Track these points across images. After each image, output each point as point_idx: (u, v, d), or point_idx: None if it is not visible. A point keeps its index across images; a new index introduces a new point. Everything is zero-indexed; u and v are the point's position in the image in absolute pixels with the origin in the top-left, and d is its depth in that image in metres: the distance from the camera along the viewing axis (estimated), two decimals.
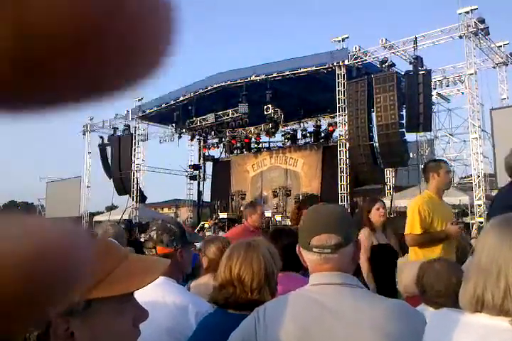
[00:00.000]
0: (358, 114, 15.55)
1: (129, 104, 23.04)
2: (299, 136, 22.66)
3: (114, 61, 0.18)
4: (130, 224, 15.65)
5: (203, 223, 21.38)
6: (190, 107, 19.69)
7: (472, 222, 13.44)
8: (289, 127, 22.95)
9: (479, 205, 13.13)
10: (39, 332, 0.68)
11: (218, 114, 19.41)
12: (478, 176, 13.37)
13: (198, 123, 20.22)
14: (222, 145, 24.38)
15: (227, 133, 22.26)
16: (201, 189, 25.60)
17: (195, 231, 15.71)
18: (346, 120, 16.03)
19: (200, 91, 19.50)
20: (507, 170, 2.77)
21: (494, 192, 16.56)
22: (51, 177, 26.85)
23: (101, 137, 24.17)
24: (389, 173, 18.07)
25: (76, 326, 0.70)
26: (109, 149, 23.55)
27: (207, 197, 25.55)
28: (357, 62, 15.64)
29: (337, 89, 16.03)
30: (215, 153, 25.49)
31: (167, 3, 0.17)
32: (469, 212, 14.46)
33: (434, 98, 16.84)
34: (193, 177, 25.22)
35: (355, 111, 15.63)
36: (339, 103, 16.13)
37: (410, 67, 14.50)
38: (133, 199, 22.34)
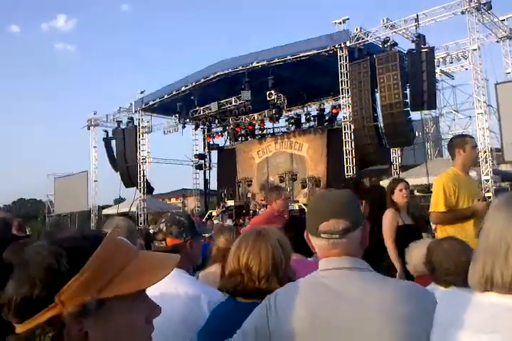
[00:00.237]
0: (362, 95, 15.43)
1: (131, 96, 23.05)
2: (303, 120, 22.57)
3: None
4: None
5: (210, 211, 21.52)
6: (192, 97, 19.62)
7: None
8: (292, 112, 22.85)
9: (487, 180, 13.05)
10: (53, 334, 0.69)
11: (221, 102, 19.34)
12: (485, 151, 13.25)
13: (202, 113, 20.18)
14: (226, 133, 24.35)
15: (230, 121, 22.21)
16: (207, 178, 25.70)
17: (204, 219, 15.81)
18: (350, 102, 15.91)
19: (202, 80, 19.40)
20: None
21: (501, 167, 16.49)
22: (58, 174, 27.02)
23: (105, 131, 24.23)
24: (395, 153, 17.98)
25: (90, 326, 0.70)
26: (114, 142, 23.62)
27: (213, 185, 25.68)
28: (359, 43, 15.45)
29: (339, 71, 15.87)
30: (220, 141, 25.53)
31: None
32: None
33: (437, 75, 16.65)
34: (198, 167, 25.26)
35: (359, 93, 15.51)
36: (342, 85, 15.99)
37: (413, 46, 14.30)
38: (140, 191, 22.47)
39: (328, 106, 21.69)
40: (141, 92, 22.51)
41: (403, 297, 1.16)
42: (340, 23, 15.90)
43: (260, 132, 23.59)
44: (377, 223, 3.77)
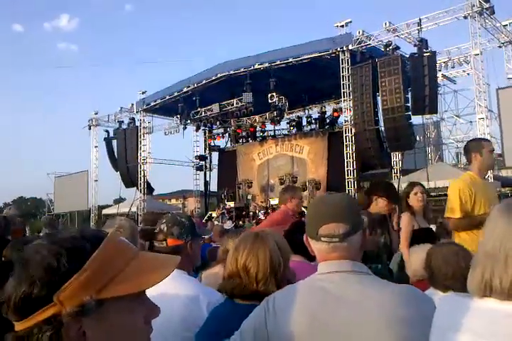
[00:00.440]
0: (363, 99, 15.44)
1: (133, 97, 23.07)
2: (304, 122, 22.59)
3: None
4: None
5: (210, 213, 21.51)
6: (194, 98, 19.64)
7: None
8: (293, 114, 22.86)
9: None
10: (51, 332, 0.69)
11: (223, 103, 19.36)
12: None
13: (203, 114, 20.19)
14: (227, 134, 24.38)
15: (232, 123, 22.23)
16: (208, 179, 25.70)
17: (203, 221, 15.81)
18: (351, 105, 15.92)
19: (204, 81, 19.44)
20: None
21: (502, 172, 16.48)
22: (59, 173, 27.04)
23: (106, 131, 24.27)
24: (395, 157, 17.98)
25: (88, 326, 0.70)
26: (115, 143, 23.65)
27: (214, 187, 25.66)
28: (361, 47, 15.48)
29: (341, 74, 15.90)
30: (221, 143, 25.53)
31: None
32: None
33: (439, 80, 16.67)
34: (199, 168, 25.28)
35: (360, 96, 15.52)
36: (344, 88, 16.00)
37: (415, 50, 14.33)
38: (140, 192, 22.47)
39: (329, 109, 21.70)
40: (143, 93, 22.56)
41: (402, 300, 1.16)
42: (342, 26, 15.94)
43: (261, 134, 23.61)
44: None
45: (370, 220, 3.39)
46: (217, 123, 21.81)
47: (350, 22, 15.91)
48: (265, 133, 23.53)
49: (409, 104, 14.31)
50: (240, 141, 24.42)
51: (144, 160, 22.60)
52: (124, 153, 22.90)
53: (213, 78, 19.08)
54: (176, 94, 20.60)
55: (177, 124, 21.91)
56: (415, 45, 14.39)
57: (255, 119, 21.42)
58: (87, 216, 23.85)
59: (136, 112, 22.97)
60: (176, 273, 1.75)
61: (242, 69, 17.99)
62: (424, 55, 13.80)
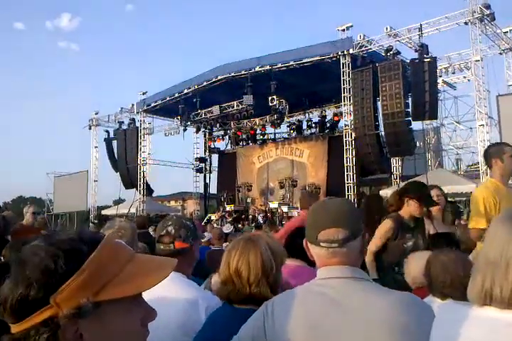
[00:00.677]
0: (364, 104, 15.46)
1: (133, 97, 23.09)
2: (304, 126, 22.61)
3: None
4: None
5: (209, 215, 21.49)
6: (194, 100, 19.67)
7: None
8: (294, 118, 22.89)
9: None
10: (48, 335, 0.68)
11: (223, 105, 19.39)
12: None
13: (203, 116, 20.21)
14: (227, 137, 24.39)
15: (232, 125, 22.26)
16: (207, 181, 25.70)
17: (203, 223, 15.79)
18: (352, 109, 15.94)
19: (205, 83, 19.46)
20: None
21: None
22: (58, 172, 27.02)
23: (107, 131, 24.28)
24: (395, 162, 17.99)
25: (85, 328, 0.70)
26: (115, 143, 23.64)
27: (213, 189, 25.66)
28: (362, 51, 15.51)
29: (342, 78, 15.92)
30: (221, 145, 25.56)
31: None
32: None
33: (439, 86, 16.70)
34: (199, 170, 25.28)
35: (361, 101, 15.55)
36: (344, 92, 16.03)
37: (416, 55, 14.36)
38: (140, 193, 22.46)
39: (329, 113, 21.73)
40: (143, 93, 22.58)
41: (403, 308, 1.15)
42: (343, 30, 15.98)
43: (261, 137, 23.63)
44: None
45: (397, 224, 3.27)
46: (218, 125, 21.84)
47: (352, 26, 15.97)
48: (265, 136, 23.56)
49: (410, 110, 14.33)
50: (240, 143, 24.44)
51: (143, 161, 22.60)
52: (124, 154, 22.90)
53: (214, 80, 19.11)
54: (176, 95, 20.63)
55: (177, 126, 21.94)
56: (416, 51, 14.43)
57: (255, 122, 21.45)
58: (87, 217, 23.81)
59: (137, 113, 22.98)
60: (175, 277, 1.75)
61: (243, 72, 18.02)
62: (425, 60, 13.83)
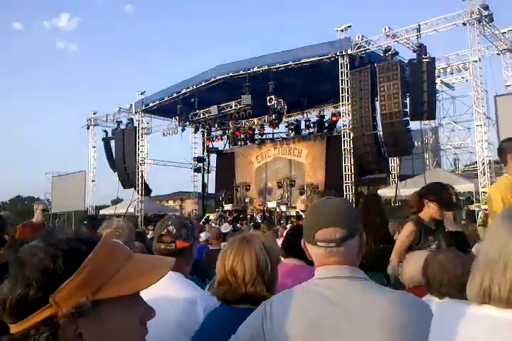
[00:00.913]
0: (362, 104, 15.49)
1: (132, 97, 23.09)
2: (302, 126, 22.64)
3: None
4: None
5: (207, 215, 21.50)
6: (193, 100, 19.68)
7: (477, 209, 13.41)
8: (292, 118, 22.92)
9: (484, 193, 13.07)
10: (48, 334, 0.69)
11: (221, 105, 19.39)
12: (483, 163, 13.31)
13: (202, 116, 20.21)
14: (225, 137, 24.40)
15: (230, 125, 22.25)
16: (206, 181, 25.70)
17: (201, 223, 15.80)
18: (350, 110, 15.98)
19: (203, 83, 19.47)
20: None
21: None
22: (56, 172, 26.97)
23: (105, 131, 24.26)
24: (393, 162, 18.02)
25: (84, 327, 0.71)
26: (113, 143, 23.61)
27: (211, 189, 25.67)
28: (360, 51, 15.54)
29: (340, 78, 15.95)
30: (219, 145, 25.58)
31: None
32: (474, 199, 14.45)
33: (438, 86, 16.73)
34: (197, 170, 25.28)
35: (359, 101, 15.58)
36: (343, 93, 16.06)
37: (414, 56, 14.40)
38: (138, 193, 22.44)
39: (328, 113, 21.78)
40: (142, 93, 22.57)
41: (403, 307, 1.15)
42: (342, 30, 16.00)
43: (260, 137, 23.65)
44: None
45: (419, 227, 3.24)
46: (216, 125, 21.84)
47: (350, 26, 16.00)
48: (264, 136, 23.58)
49: (408, 110, 14.37)
50: (239, 143, 24.45)
51: (142, 161, 22.58)
52: (122, 154, 22.88)
53: (212, 80, 19.12)
54: (174, 95, 20.63)
55: (175, 125, 21.95)
56: (414, 51, 14.47)
57: (254, 122, 21.46)
58: (84, 216, 23.76)
59: (135, 113, 22.97)
60: (174, 276, 1.75)
61: (242, 72, 18.03)
62: (423, 60, 13.87)
